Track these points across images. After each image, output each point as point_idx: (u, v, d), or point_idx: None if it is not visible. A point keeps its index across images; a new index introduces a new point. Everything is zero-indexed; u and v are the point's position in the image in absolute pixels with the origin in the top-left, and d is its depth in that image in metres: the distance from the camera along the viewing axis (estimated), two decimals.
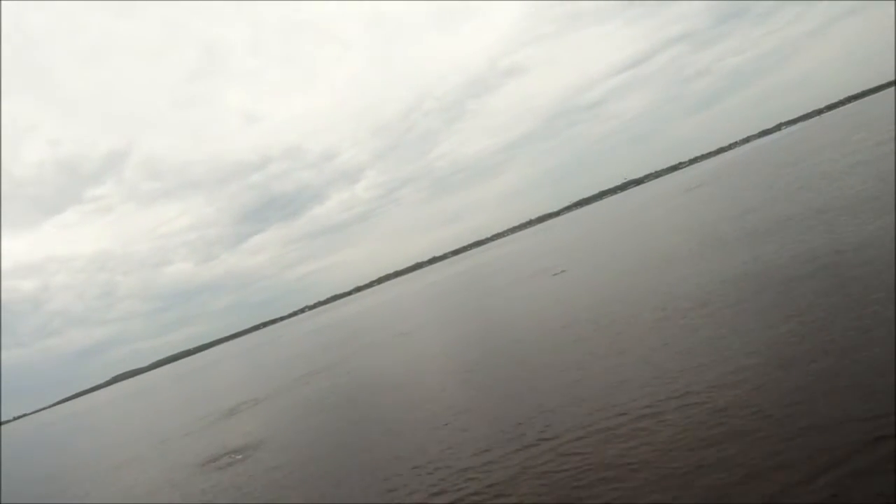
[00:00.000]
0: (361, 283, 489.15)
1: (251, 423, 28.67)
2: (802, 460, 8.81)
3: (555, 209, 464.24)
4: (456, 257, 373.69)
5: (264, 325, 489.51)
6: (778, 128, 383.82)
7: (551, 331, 24.65)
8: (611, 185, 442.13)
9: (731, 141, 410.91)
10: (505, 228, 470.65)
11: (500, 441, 13.83)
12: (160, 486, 22.38)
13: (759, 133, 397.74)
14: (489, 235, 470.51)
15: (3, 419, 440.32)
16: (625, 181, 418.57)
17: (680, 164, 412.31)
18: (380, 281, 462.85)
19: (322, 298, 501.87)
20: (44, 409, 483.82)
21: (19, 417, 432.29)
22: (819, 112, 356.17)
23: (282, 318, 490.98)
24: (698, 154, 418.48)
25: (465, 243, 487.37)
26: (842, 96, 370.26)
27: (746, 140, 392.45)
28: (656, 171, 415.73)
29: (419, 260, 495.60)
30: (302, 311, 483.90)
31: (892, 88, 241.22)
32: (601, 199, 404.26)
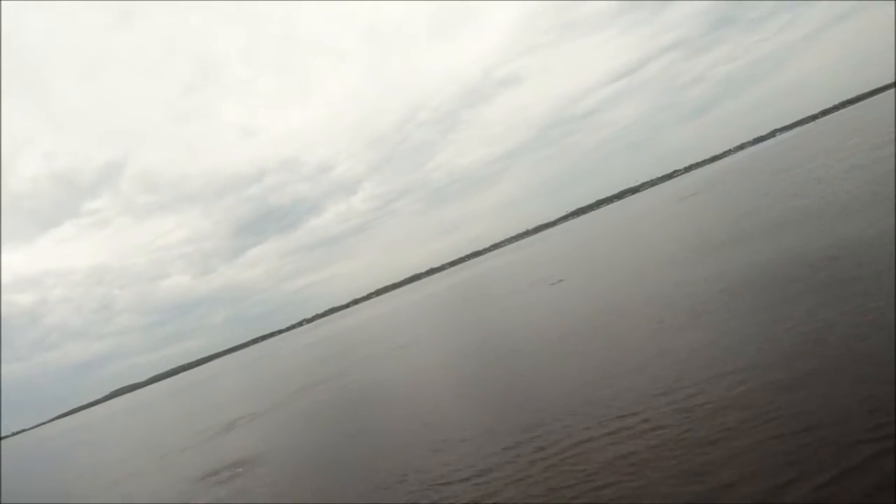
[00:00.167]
0: (359, 296, 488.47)
1: (250, 438, 28.58)
2: (803, 460, 8.87)
3: (552, 219, 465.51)
4: (454, 268, 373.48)
5: (262, 338, 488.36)
6: (772, 134, 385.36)
7: (549, 341, 24.66)
8: (607, 194, 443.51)
9: (726, 148, 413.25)
10: (502, 239, 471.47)
11: (496, 453, 13.82)
12: (159, 500, 22.31)
13: (754, 140, 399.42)
14: (487, 246, 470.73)
15: (5, 434, 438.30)
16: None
17: (675, 171, 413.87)
18: (378, 293, 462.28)
19: (320, 311, 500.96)
20: (43, 424, 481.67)
21: (18, 433, 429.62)
22: (814, 117, 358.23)
23: (280, 332, 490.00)
24: (693, 162, 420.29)
25: (462, 254, 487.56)
26: (836, 101, 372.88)
27: (741, 147, 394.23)
28: (652, 180, 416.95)
29: (417, 271, 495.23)
30: (300, 324, 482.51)
31: (890, 92, 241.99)
32: (598, 207, 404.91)
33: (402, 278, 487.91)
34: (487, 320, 39.55)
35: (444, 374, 27.35)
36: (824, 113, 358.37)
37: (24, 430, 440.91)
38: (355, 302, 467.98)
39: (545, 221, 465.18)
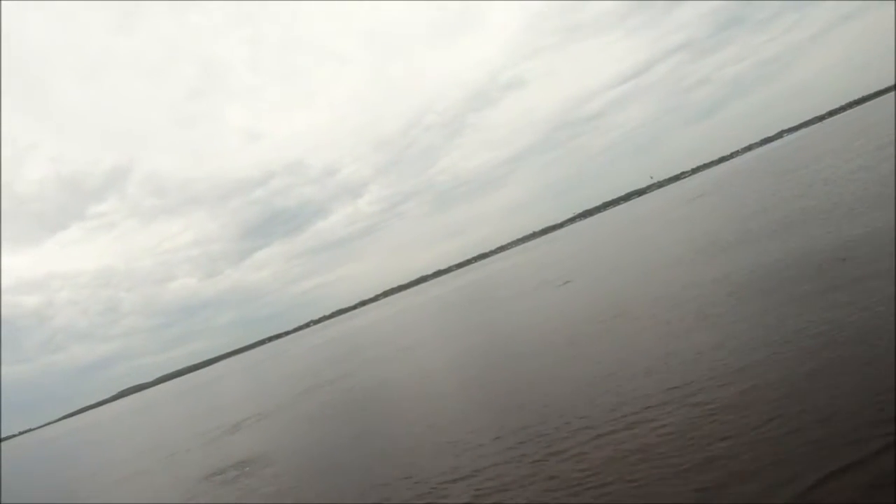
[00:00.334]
0: (366, 298, 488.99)
1: (256, 438, 28.64)
2: (803, 461, 8.85)
3: (558, 221, 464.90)
4: (460, 270, 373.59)
5: (269, 339, 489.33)
6: (780, 135, 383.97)
7: (555, 343, 24.63)
8: (613, 196, 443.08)
9: (734, 149, 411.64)
10: (509, 241, 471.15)
11: (502, 454, 13.81)
12: (165, 498, 22.39)
13: (761, 141, 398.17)
14: (493, 248, 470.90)
15: (10, 434, 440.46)
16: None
17: (682, 173, 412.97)
18: (384, 295, 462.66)
19: (327, 313, 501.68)
20: (49, 424, 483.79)
21: (25, 432, 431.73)
22: (821, 118, 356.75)
23: (287, 333, 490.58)
24: (701, 163, 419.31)
25: (469, 256, 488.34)
26: (843, 102, 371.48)
27: (748, 148, 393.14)
28: (659, 182, 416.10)
29: (424, 273, 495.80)
30: (307, 325, 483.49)
31: (893, 93, 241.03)
32: (605, 210, 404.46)
33: (408, 280, 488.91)
34: (494, 322, 39.54)
35: (450, 376, 27.35)
36: (831, 114, 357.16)
37: (30, 430, 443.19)
38: (362, 303, 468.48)
39: (552, 224, 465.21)
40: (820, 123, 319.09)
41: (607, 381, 16.51)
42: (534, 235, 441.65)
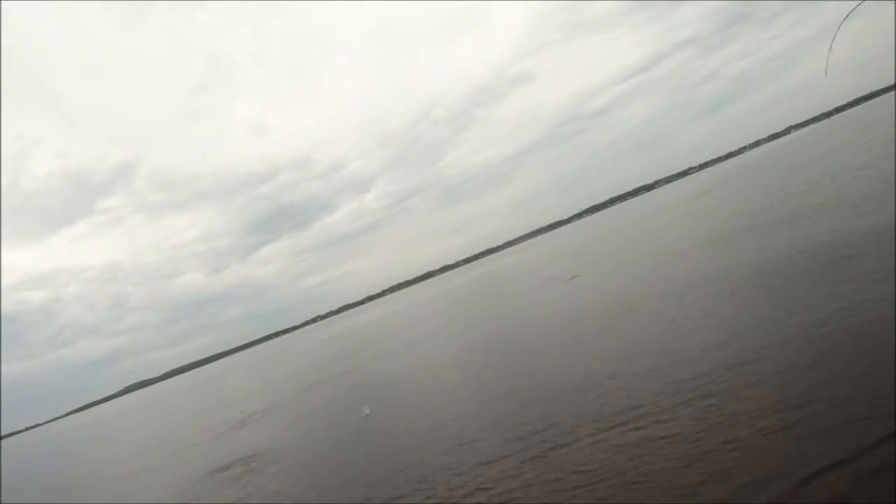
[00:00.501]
0: (373, 293, 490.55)
1: (262, 433, 28.75)
2: (803, 461, 8.86)
3: (565, 216, 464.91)
4: (467, 265, 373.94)
5: (276, 334, 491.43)
6: (787, 131, 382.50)
7: (562, 339, 24.64)
8: (621, 192, 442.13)
9: (741, 145, 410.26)
10: (516, 236, 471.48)
11: (506, 453, 13.81)
12: (169, 494, 22.47)
13: (769, 136, 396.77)
14: (500, 243, 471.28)
15: (16, 430, 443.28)
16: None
17: (690, 169, 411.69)
18: (391, 290, 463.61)
19: (334, 308, 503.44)
20: (55, 419, 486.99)
21: (31, 428, 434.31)
22: (828, 114, 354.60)
23: (293, 328, 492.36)
24: (708, 159, 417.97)
25: (476, 251, 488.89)
26: (851, 98, 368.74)
27: (756, 144, 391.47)
28: (666, 177, 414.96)
29: (431, 269, 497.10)
30: (314, 320, 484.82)
31: (894, 92, 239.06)
32: (612, 205, 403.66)
33: (415, 275, 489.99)
34: (501, 318, 39.48)
35: (457, 372, 27.34)
36: (839, 110, 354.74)
37: (36, 426, 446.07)
38: (369, 298, 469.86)
39: (559, 219, 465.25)
40: (828, 119, 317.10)
41: (612, 377, 16.47)
42: (540, 231, 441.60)
